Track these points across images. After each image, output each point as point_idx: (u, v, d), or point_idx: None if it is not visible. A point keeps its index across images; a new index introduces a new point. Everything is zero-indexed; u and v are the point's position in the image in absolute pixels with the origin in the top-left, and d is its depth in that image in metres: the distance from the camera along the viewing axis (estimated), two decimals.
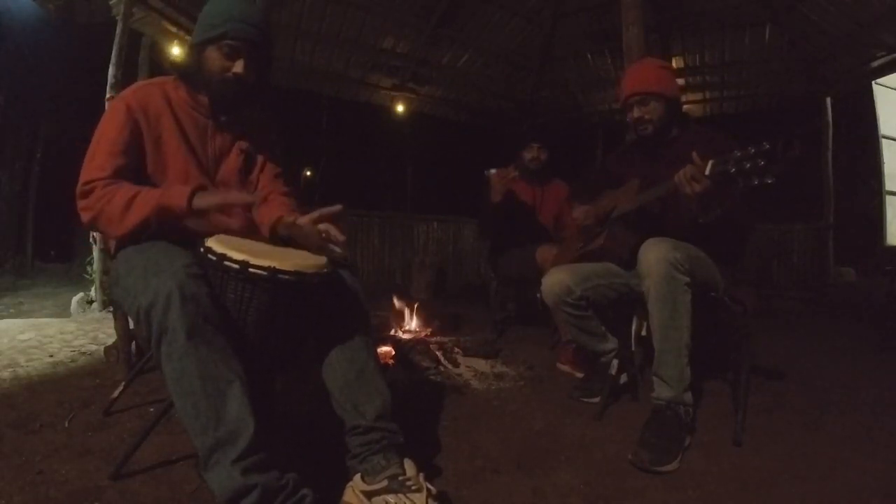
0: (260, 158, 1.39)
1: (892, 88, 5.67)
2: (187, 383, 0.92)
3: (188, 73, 1.26)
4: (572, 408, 1.79)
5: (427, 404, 1.76)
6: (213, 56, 1.21)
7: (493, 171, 2.60)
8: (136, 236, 1.12)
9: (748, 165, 1.23)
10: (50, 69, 8.44)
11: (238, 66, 1.21)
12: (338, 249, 1.17)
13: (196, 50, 1.23)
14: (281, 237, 1.25)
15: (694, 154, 1.39)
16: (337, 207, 1.19)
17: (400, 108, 6.11)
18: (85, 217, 1.14)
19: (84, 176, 1.13)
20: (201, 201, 1.09)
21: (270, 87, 1.39)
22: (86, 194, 1.12)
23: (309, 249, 1.19)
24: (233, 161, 1.33)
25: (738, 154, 1.26)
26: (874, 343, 2.93)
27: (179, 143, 1.24)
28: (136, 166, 1.19)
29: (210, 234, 1.09)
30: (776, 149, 1.20)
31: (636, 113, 1.71)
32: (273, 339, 1.09)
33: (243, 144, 1.34)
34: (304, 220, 1.19)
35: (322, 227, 1.16)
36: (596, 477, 1.27)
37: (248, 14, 1.21)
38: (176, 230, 1.16)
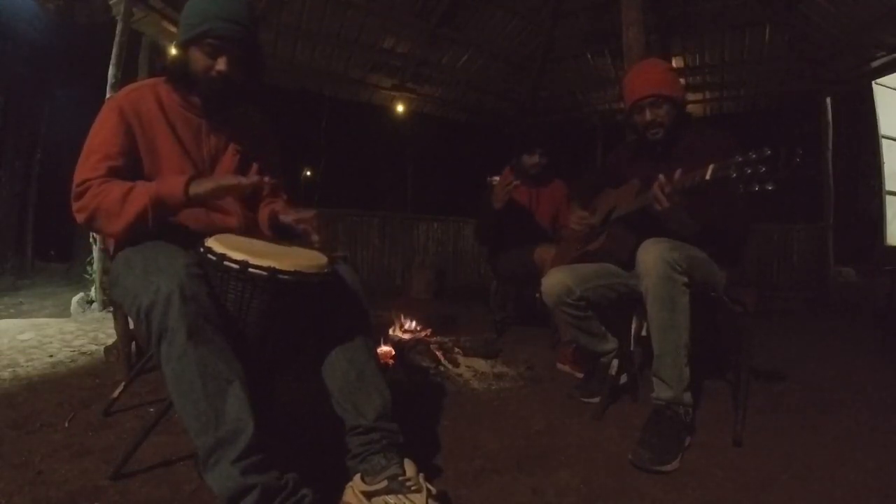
0: (255, 156, 1.39)
1: (892, 88, 5.67)
2: (187, 383, 0.92)
3: (176, 74, 1.25)
4: (572, 408, 1.79)
5: (427, 404, 1.76)
6: (197, 56, 1.21)
7: (495, 178, 2.64)
8: (135, 231, 1.11)
9: (749, 171, 1.22)
10: (50, 69, 8.44)
11: (221, 64, 1.20)
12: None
13: (181, 50, 1.23)
14: (281, 228, 1.27)
15: (661, 176, 1.41)
16: (311, 213, 1.24)
17: (400, 108, 6.10)
18: (80, 217, 1.13)
19: (78, 177, 1.13)
20: (198, 188, 1.09)
21: (264, 84, 1.39)
22: (80, 195, 1.12)
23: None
24: (228, 160, 1.32)
25: (740, 159, 1.25)
26: (874, 343, 2.93)
27: (173, 144, 1.23)
28: (130, 169, 1.17)
29: (210, 234, 1.09)
30: (778, 156, 1.19)
31: (649, 116, 1.67)
32: (273, 339, 1.09)
33: (238, 143, 1.34)
34: (287, 219, 1.25)
35: (302, 227, 1.21)
36: (595, 477, 1.27)
37: (229, 11, 1.20)
38: (176, 229, 1.16)
